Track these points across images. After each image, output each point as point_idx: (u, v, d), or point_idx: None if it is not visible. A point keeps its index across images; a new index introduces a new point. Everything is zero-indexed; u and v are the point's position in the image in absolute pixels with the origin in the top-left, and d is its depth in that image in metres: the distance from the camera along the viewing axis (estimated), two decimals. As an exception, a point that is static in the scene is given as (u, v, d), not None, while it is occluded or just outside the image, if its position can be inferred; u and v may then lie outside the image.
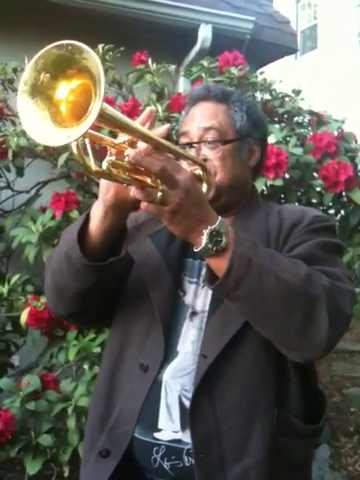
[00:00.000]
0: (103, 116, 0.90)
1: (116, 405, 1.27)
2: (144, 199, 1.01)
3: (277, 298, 1.07)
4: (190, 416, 1.18)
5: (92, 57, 0.85)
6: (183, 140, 1.34)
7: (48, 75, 0.90)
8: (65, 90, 0.92)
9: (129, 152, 0.98)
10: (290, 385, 1.24)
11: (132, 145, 1.02)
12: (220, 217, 1.07)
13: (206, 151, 1.30)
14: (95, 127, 0.88)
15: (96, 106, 0.84)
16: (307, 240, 1.22)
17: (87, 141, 0.99)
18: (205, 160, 1.28)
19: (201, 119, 1.32)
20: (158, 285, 1.27)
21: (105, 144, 1.03)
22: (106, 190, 1.11)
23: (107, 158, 1.00)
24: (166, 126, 1.08)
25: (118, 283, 1.29)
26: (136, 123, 1.03)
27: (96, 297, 1.25)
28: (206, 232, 1.04)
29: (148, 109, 1.09)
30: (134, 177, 1.02)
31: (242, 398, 1.19)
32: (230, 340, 1.18)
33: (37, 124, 0.89)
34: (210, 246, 1.04)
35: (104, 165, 0.98)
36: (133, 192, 1.01)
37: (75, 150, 0.96)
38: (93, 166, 0.98)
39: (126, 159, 0.98)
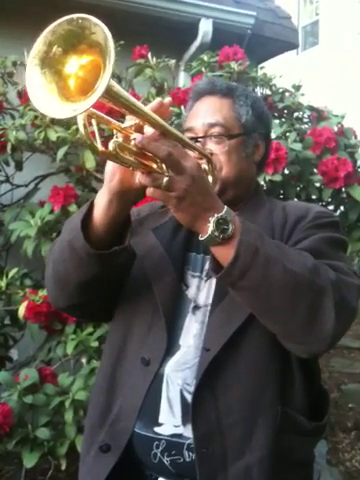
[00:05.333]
0: (110, 93, 0.88)
1: (117, 400, 1.26)
2: (150, 184, 0.98)
3: (284, 289, 1.05)
4: (192, 410, 1.16)
5: (102, 30, 0.82)
6: (188, 135, 1.31)
7: (60, 49, 0.87)
8: (75, 65, 0.89)
9: (136, 136, 0.96)
10: (294, 381, 1.22)
11: (139, 130, 1.00)
12: (226, 206, 1.06)
13: (212, 146, 1.29)
14: (104, 110, 0.84)
15: (104, 80, 0.81)
16: (311, 235, 1.21)
17: (94, 122, 0.98)
18: (211, 155, 1.27)
19: (206, 114, 1.30)
20: (161, 279, 1.26)
21: (112, 127, 1.01)
22: (111, 177, 1.09)
23: (114, 139, 0.97)
24: (168, 99, 1.06)
25: (120, 276, 1.27)
26: (144, 106, 1.01)
27: (98, 289, 1.22)
28: (212, 220, 1.02)
29: (158, 99, 1.05)
30: (140, 161, 1.00)
31: (245, 393, 1.17)
32: (233, 334, 1.17)
33: (43, 96, 0.87)
34: (216, 234, 1.02)
35: (111, 146, 0.96)
36: (139, 177, 0.99)
37: (82, 129, 0.93)
38: (99, 146, 0.96)
39: (132, 143, 0.96)
